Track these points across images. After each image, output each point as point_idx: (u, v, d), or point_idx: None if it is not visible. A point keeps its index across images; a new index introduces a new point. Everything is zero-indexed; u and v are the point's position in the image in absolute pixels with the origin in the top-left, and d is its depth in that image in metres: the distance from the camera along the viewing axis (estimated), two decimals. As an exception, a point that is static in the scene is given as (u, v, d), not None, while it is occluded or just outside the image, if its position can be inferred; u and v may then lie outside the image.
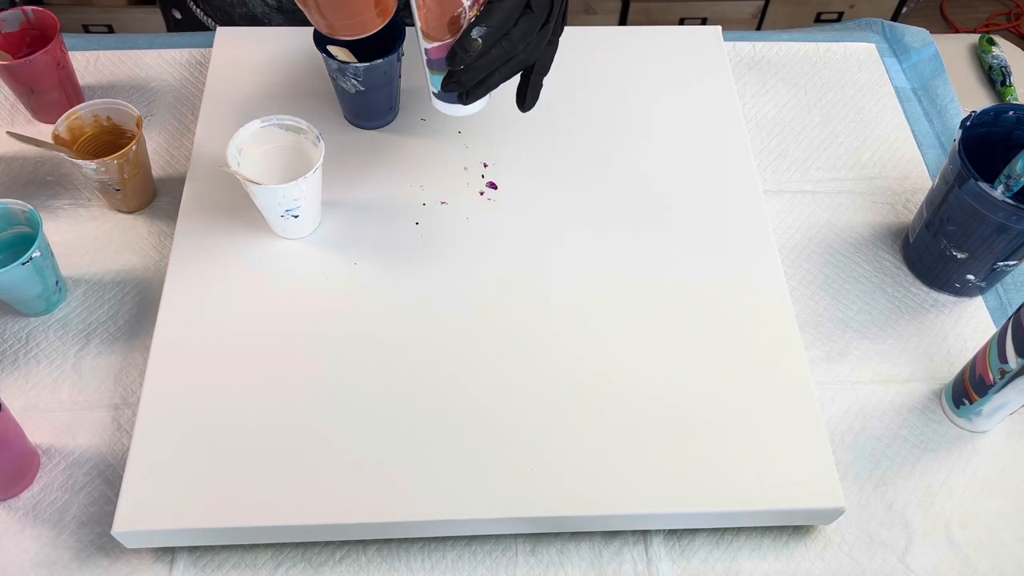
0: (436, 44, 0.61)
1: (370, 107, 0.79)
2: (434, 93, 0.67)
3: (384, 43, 0.75)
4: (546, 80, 0.69)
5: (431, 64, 0.63)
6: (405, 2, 0.61)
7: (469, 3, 0.59)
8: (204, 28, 0.98)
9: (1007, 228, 0.68)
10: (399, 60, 0.76)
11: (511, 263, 0.72)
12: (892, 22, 0.98)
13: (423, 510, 0.61)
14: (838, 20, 2.01)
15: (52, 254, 0.71)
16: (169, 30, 1.06)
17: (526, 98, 0.69)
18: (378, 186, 0.77)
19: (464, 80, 0.63)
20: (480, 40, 0.60)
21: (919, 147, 0.88)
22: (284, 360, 0.66)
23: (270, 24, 0.92)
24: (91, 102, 0.75)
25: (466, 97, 0.65)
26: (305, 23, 0.70)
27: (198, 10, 0.97)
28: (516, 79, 0.68)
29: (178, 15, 1.02)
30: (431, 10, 0.59)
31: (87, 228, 0.78)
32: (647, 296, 0.71)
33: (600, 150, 0.78)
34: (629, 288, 0.71)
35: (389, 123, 0.81)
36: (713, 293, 0.71)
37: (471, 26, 0.59)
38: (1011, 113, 0.72)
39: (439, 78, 0.64)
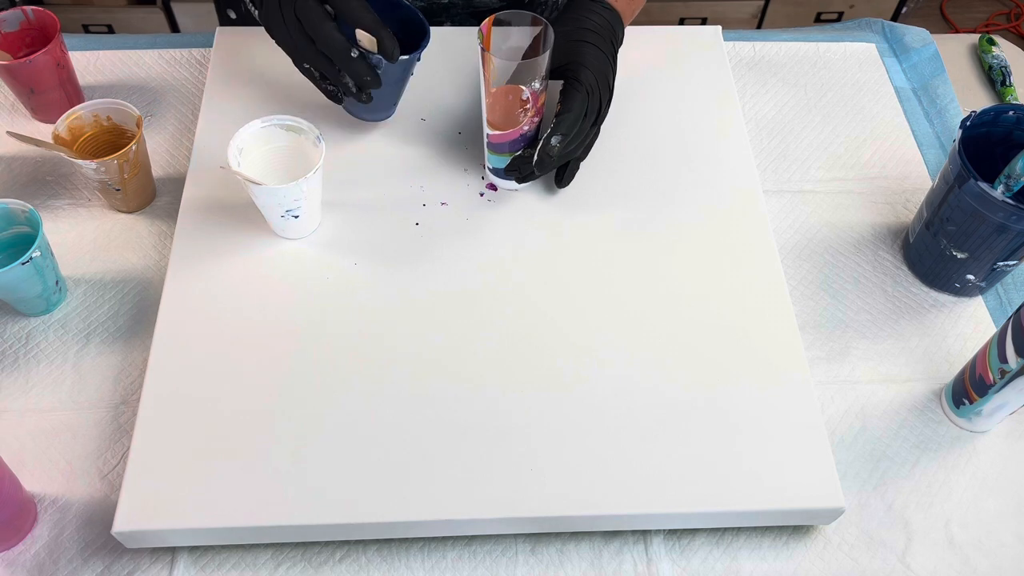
0: (497, 132, 0.71)
1: (376, 100, 0.78)
2: (490, 168, 0.76)
3: (408, 41, 0.72)
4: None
5: (490, 146, 0.74)
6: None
7: (529, 105, 0.69)
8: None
9: (1007, 228, 0.68)
10: (419, 59, 0.75)
11: (511, 264, 0.72)
12: (892, 22, 0.98)
13: (423, 510, 0.61)
14: (838, 20, 2.01)
15: (52, 254, 0.71)
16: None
17: (564, 178, 0.76)
18: (378, 186, 0.77)
19: (535, 174, 0.73)
20: (558, 146, 0.70)
21: (919, 147, 0.88)
22: (284, 360, 0.66)
23: None
24: (91, 102, 0.75)
25: (523, 180, 0.74)
26: None
27: (256, 11, 0.96)
28: None
29: (233, 15, 1.00)
30: (499, 104, 0.69)
31: (87, 228, 0.78)
32: (647, 296, 0.71)
33: (600, 150, 0.78)
34: (629, 288, 0.71)
35: (388, 117, 0.81)
36: (713, 293, 0.71)
37: (550, 135, 0.70)
38: (1011, 113, 0.72)
39: (495, 157, 0.74)
